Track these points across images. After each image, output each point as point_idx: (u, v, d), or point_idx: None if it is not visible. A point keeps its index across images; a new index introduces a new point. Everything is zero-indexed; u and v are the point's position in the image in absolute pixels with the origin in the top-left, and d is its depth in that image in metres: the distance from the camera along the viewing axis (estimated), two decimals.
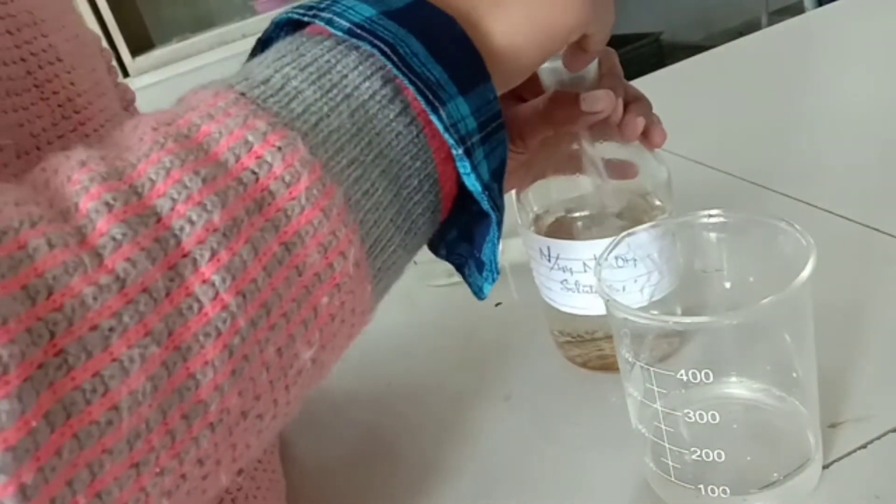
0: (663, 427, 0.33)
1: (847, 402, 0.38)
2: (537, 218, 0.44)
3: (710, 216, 0.35)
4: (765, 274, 0.34)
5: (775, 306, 0.30)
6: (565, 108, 0.40)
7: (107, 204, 0.20)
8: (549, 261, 0.43)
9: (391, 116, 0.27)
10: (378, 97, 0.27)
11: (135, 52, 1.94)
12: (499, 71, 0.29)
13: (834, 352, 0.40)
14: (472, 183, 0.29)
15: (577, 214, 0.43)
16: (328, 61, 0.26)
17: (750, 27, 1.56)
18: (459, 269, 0.34)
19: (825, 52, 0.91)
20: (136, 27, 2.07)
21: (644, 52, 2.56)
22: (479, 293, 0.34)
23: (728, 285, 0.36)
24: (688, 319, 0.30)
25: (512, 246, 0.63)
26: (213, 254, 0.21)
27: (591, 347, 0.45)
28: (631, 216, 0.43)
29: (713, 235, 0.35)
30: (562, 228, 0.44)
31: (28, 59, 0.30)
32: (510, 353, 0.50)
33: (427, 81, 0.27)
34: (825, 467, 0.35)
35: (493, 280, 0.33)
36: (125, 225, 0.20)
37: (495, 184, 0.30)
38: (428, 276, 0.62)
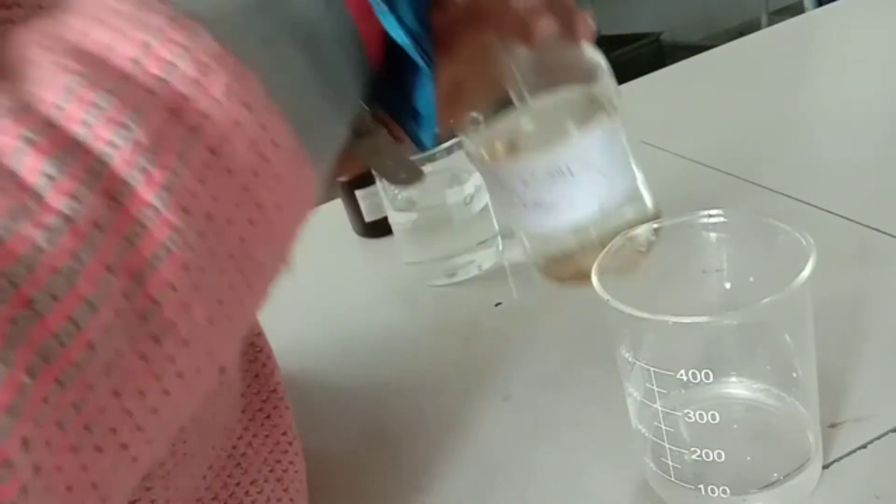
0: (663, 427, 0.33)
1: (847, 402, 0.38)
2: (484, 145, 0.42)
3: (710, 216, 0.35)
4: (765, 274, 0.34)
5: (775, 306, 0.30)
6: (493, 3, 0.37)
7: (27, 140, 0.19)
8: (510, 185, 0.40)
9: None
10: None
11: None
12: None
13: (834, 352, 0.40)
14: (398, 35, 0.27)
15: (518, 131, 0.41)
16: None
17: (750, 27, 1.56)
18: (398, 120, 0.33)
19: (825, 52, 0.91)
20: None
21: (644, 52, 2.55)
22: (419, 144, 0.33)
23: (728, 285, 0.36)
24: (688, 319, 0.30)
25: (512, 246, 0.63)
26: (146, 174, 0.20)
27: (567, 260, 0.43)
28: (576, 119, 0.40)
29: (713, 235, 0.35)
30: (509, 149, 0.41)
31: None
32: (510, 353, 0.50)
33: None
34: (825, 467, 0.35)
35: (432, 129, 0.32)
36: (54, 160, 0.19)
37: (422, 29, 0.28)
38: (428, 276, 0.62)
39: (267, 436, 0.38)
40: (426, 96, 0.31)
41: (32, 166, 0.19)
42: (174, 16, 0.21)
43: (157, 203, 0.20)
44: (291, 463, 0.38)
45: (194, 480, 0.32)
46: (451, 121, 0.42)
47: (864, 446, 0.35)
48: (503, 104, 0.40)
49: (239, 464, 0.35)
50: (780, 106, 0.76)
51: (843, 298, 0.45)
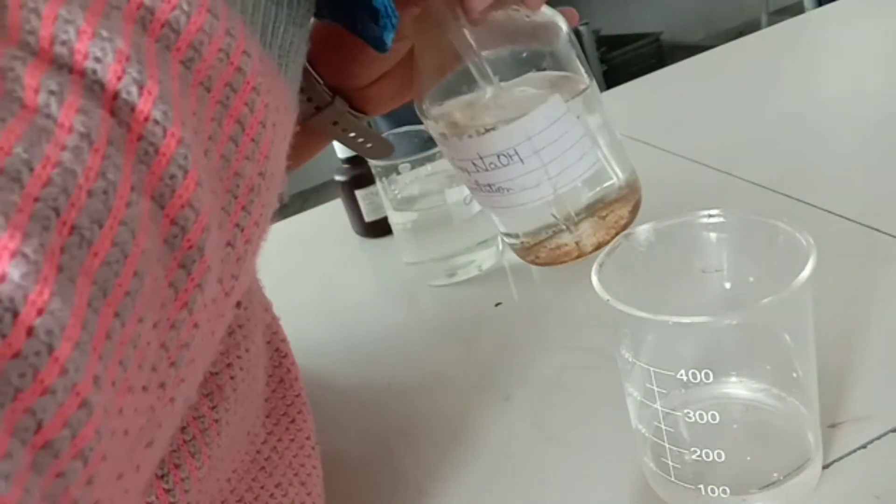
0: (663, 427, 0.33)
1: (847, 402, 0.38)
2: (443, 120, 0.41)
3: (710, 216, 0.35)
4: (765, 274, 0.34)
5: (775, 306, 0.30)
6: None
7: (15, 57, 0.17)
8: (462, 166, 0.38)
9: None
10: None
11: None
12: None
13: (834, 352, 0.40)
14: None
15: (474, 107, 0.39)
16: None
17: (750, 27, 1.56)
18: (352, 28, 0.32)
19: (825, 52, 0.91)
20: None
21: (644, 52, 2.56)
22: (380, 46, 0.31)
23: (728, 285, 0.36)
24: (688, 319, 0.30)
25: None
26: (140, 85, 0.19)
27: (539, 244, 0.43)
28: (532, 98, 0.38)
29: (713, 235, 0.35)
30: (466, 125, 0.39)
31: None
32: (510, 353, 0.50)
33: None
34: (825, 467, 0.35)
35: (393, 26, 0.30)
36: (50, 74, 0.17)
37: None
38: (428, 276, 0.62)
39: (292, 439, 0.38)
40: None
41: (30, 84, 0.17)
42: None
43: (159, 117, 0.19)
44: (314, 467, 0.38)
45: (219, 483, 0.32)
46: (415, 103, 0.41)
47: (864, 446, 0.35)
48: (462, 76, 0.39)
49: (263, 467, 0.35)
50: (780, 106, 0.76)
51: (843, 299, 0.45)
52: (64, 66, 0.18)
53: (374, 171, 0.63)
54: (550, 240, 0.42)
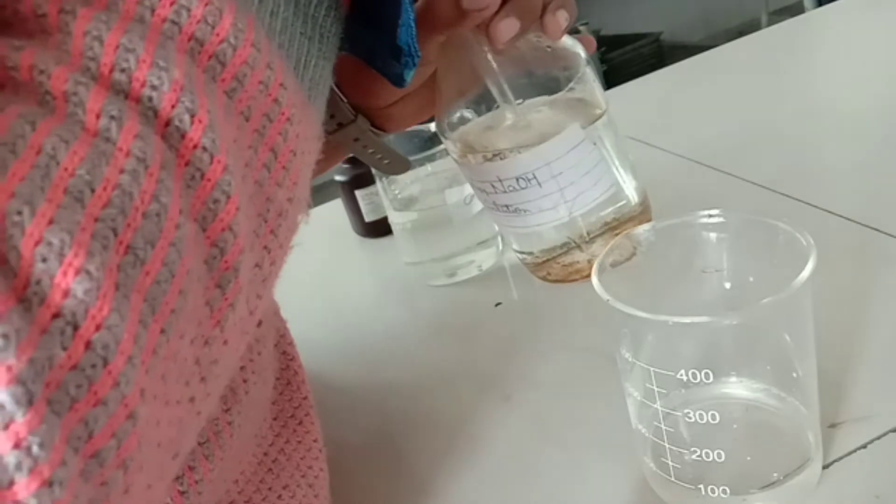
0: (663, 427, 0.33)
1: (847, 402, 0.38)
2: (462, 141, 0.42)
3: (710, 216, 0.35)
4: (765, 274, 0.34)
5: (775, 306, 0.30)
6: (444, 5, 0.36)
7: (79, 83, 0.18)
8: (481, 187, 0.40)
9: None
10: None
11: None
12: None
13: (834, 352, 0.40)
14: None
15: (495, 130, 0.40)
16: None
17: (750, 27, 1.56)
18: (371, 62, 0.33)
19: (825, 52, 0.91)
20: None
21: (644, 52, 2.56)
22: (399, 81, 0.32)
23: (728, 285, 0.36)
24: (688, 319, 0.30)
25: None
26: (191, 114, 0.20)
27: (552, 260, 0.44)
28: (551, 124, 0.39)
29: (713, 235, 0.35)
30: (485, 148, 0.41)
31: None
32: (510, 353, 0.50)
33: None
34: (825, 467, 0.35)
35: (414, 64, 0.32)
36: (110, 100, 0.18)
37: None
38: (428, 276, 0.62)
39: (299, 442, 0.38)
40: (407, 29, 0.30)
41: (92, 108, 0.18)
42: None
43: (208, 145, 0.20)
44: (322, 469, 0.38)
45: (227, 484, 0.32)
46: (435, 122, 0.43)
47: (864, 446, 0.35)
48: (483, 99, 0.40)
49: (271, 469, 0.35)
50: (780, 105, 0.76)
51: (843, 299, 0.45)
52: (121, 92, 0.19)
53: (374, 171, 0.63)
54: (563, 256, 0.43)
